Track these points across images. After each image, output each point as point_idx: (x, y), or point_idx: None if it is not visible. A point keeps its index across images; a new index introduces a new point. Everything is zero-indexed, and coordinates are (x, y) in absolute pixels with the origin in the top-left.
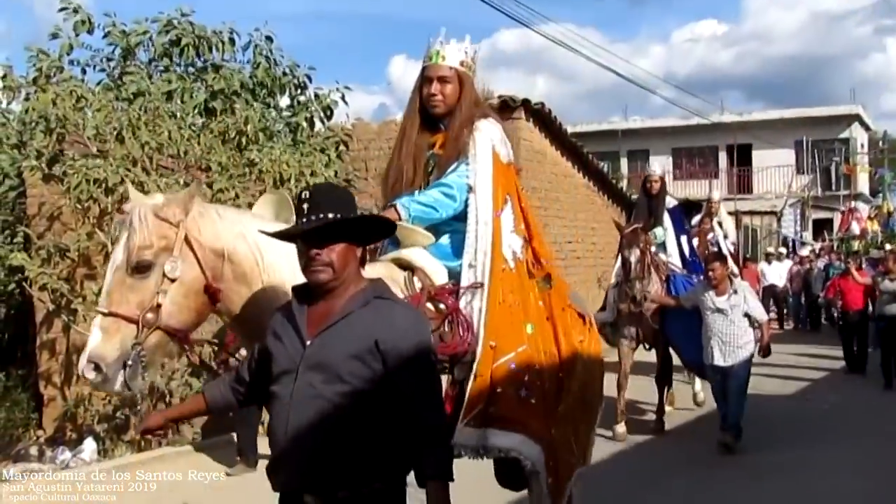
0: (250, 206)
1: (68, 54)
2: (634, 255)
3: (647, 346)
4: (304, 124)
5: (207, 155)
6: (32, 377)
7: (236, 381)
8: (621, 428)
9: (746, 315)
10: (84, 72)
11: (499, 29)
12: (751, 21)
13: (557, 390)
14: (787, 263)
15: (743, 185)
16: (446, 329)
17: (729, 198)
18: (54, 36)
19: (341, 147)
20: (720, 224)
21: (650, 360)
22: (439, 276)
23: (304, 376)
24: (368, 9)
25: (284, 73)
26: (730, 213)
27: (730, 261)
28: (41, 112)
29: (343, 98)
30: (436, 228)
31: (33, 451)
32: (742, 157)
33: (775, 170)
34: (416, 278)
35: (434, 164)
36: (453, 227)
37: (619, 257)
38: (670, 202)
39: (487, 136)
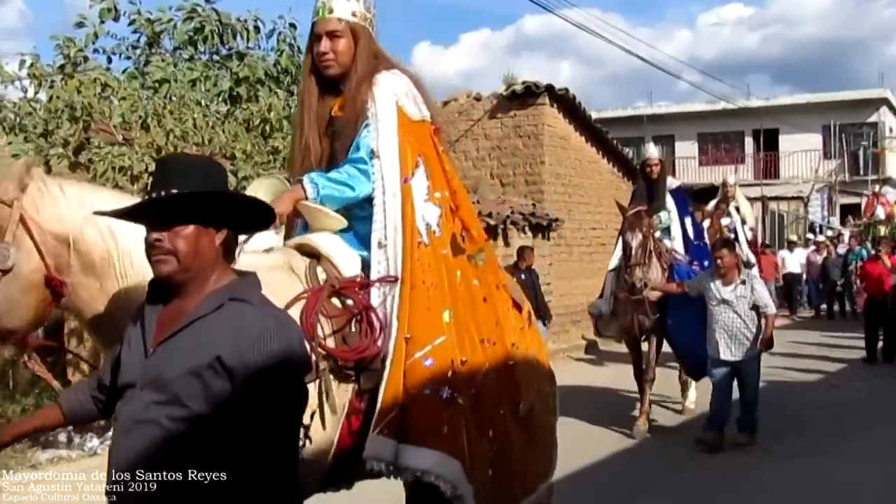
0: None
1: (94, 43)
2: (636, 240)
3: (643, 337)
4: None
5: (232, 143)
6: (61, 364)
7: (97, 388)
8: (644, 425)
9: (755, 307)
10: (109, 60)
11: (522, 15)
12: (777, 4)
13: (507, 385)
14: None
15: (769, 170)
16: (352, 329)
17: (755, 183)
18: (80, 24)
19: None
20: (737, 209)
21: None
22: (350, 267)
23: (142, 394)
24: None
25: None
26: (756, 199)
27: (746, 247)
28: (67, 100)
29: None
30: (349, 213)
31: (62, 437)
32: (768, 142)
33: (802, 154)
34: (320, 268)
35: (335, 131)
36: (368, 211)
37: (621, 241)
38: (672, 183)
39: (389, 90)
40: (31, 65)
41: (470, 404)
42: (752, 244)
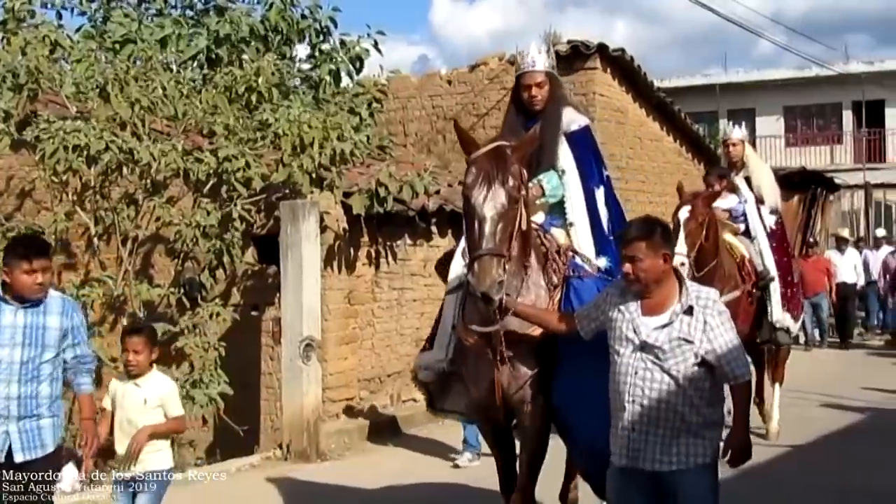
0: (264, 177)
1: None
2: (494, 205)
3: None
4: (328, 78)
5: (211, 116)
6: None
7: None
8: None
9: (703, 363)
10: (59, 16)
11: None
12: None
13: None
14: (885, 251)
15: (874, 151)
16: None
17: (856, 167)
18: None
19: (374, 105)
20: (748, 180)
21: None
22: None
23: None
24: None
25: (303, 17)
26: (857, 187)
27: (764, 244)
28: (9, 64)
29: (376, 46)
30: None
31: None
32: (873, 117)
33: None
34: None
35: None
36: None
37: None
38: (572, 122)
39: None
40: None
41: None
42: (778, 237)
